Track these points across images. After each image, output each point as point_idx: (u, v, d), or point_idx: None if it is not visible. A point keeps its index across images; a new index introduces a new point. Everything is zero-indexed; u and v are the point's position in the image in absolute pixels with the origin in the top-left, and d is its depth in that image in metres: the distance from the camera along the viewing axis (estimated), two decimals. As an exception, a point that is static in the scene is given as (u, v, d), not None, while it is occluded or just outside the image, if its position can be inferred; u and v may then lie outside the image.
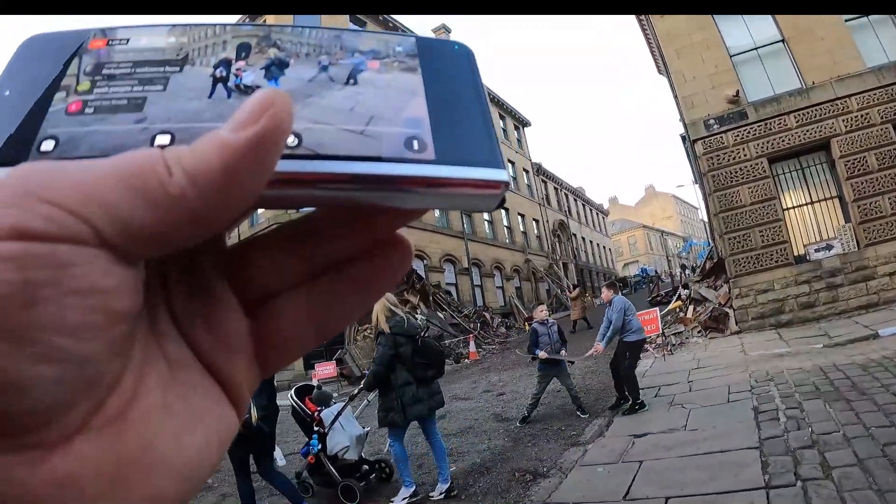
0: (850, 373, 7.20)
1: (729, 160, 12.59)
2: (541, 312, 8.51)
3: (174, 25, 0.40)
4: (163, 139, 0.32)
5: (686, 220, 65.76)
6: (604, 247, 48.33)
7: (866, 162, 11.55)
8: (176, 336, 0.33)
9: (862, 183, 11.54)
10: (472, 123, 0.37)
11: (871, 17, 12.19)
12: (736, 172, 12.49)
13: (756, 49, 13.00)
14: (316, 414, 6.40)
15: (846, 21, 12.17)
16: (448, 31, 30.51)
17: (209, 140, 0.27)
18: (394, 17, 25.18)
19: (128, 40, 0.39)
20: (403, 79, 0.39)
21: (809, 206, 12.39)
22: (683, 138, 17.62)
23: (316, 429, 6.30)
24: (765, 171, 12.32)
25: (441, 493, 5.66)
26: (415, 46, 0.41)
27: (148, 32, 0.40)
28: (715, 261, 15.88)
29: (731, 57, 13.14)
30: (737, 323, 12.56)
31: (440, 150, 0.35)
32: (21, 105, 0.35)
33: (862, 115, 11.75)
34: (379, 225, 0.38)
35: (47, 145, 0.32)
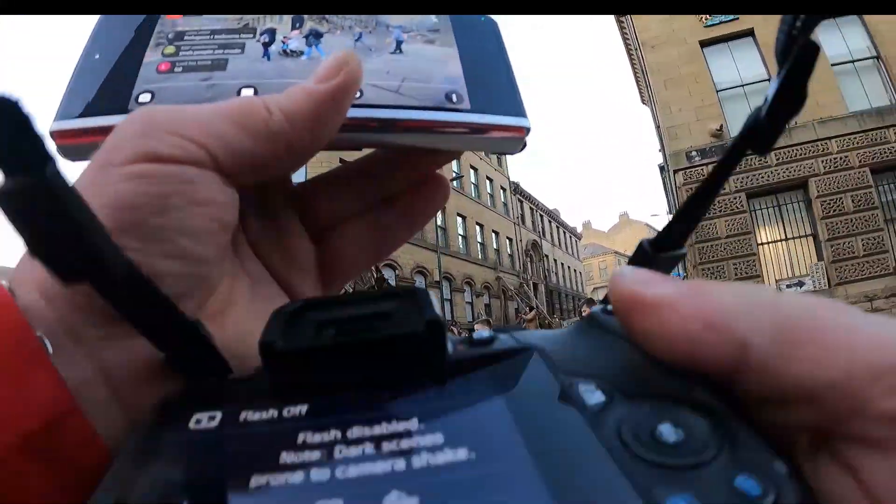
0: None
1: (708, 192, 12.79)
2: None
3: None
4: (247, 92, 0.39)
5: (656, 251, 66.72)
6: (575, 270, 48.74)
7: (842, 203, 11.81)
8: (254, 258, 0.40)
9: (837, 223, 11.79)
10: (500, 80, 0.44)
11: (857, 64, 12.58)
12: (714, 205, 12.55)
13: (742, 86, 13.27)
14: None
15: (832, 66, 12.51)
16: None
17: (299, 89, 0.33)
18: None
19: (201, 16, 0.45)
20: (441, 46, 0.46)
21: (784, 242, 12.63)
22: (661, 168, 17.90)
23: None
24: (742, 206, 12.53)
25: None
26: (448, 21, 0.48)
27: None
28: (687, 290, 16.05)
29: (717, 92, 13.39)
30: (705, 353, 12.71)
31: (474, 101, 0.42)
32: (112, 66, 0.40)
33: (841, 158, 12.02)
34: (421, 165, 0.45)
35: (144, 97, 0.38)
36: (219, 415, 0.23)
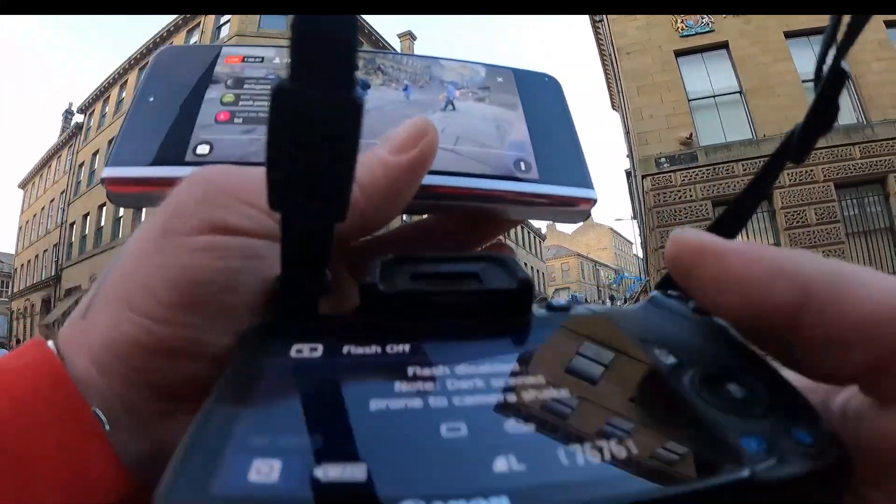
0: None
1: (675, 199, 13.01)
2: None
3: None
4: None
5: (620, 254, 67.57)
6: (538, 271, 49.11)
7: (805, 215, 12.16)
8: None
9: (799, 234, 12.13)
10: (566, 147, 0.43)
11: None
12: (680, 211, 12.92)
13: (714, 97, 13.55)
14: None
15: (803, 82, 12.86)
16: (414, 38, 30.54)
17: (374, 158, 0.32)
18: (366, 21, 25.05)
19: (262, 59, 0.43)
20: (507, 107, 0.44)
21: (747, 251, 12.92)
22: (628, 174, 18.18)
23: None
24: (708, 213, 12.77)
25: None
26: (513, 78, 0.46)
27: (276, 52, 0.44)
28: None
29: (689, 101, 13.63)
30: (666, 356, 12.95)
31: (542, 170, 0.40)
32: (168, 111, 0.38)
33: (807, 171, 12.35)
34: (482, 233, 0.43)
35: (202, 149, 0.36)
36: (320, 347, 0.23)
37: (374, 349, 0.23)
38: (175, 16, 24.24)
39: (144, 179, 0.35)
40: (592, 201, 0.40)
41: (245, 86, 0.40)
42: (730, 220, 0.34)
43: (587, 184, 0.41)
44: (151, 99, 0.38)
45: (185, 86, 0.40)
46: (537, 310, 0.27)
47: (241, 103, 0.39)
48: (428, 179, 0.35)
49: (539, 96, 0.45)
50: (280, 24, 21.06)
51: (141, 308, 0.26)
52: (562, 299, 0.29)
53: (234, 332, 0.26)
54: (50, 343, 0.28)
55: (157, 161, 0.35)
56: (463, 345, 0.24)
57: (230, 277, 0.27)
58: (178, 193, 0.29)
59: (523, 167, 0.40)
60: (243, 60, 0.42)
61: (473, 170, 0.39)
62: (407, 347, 0.23)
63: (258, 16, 20.89)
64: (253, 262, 0.28)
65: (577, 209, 0.40)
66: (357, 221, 0.31)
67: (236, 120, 0.38)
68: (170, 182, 0.31)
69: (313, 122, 0.20)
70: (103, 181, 0.35)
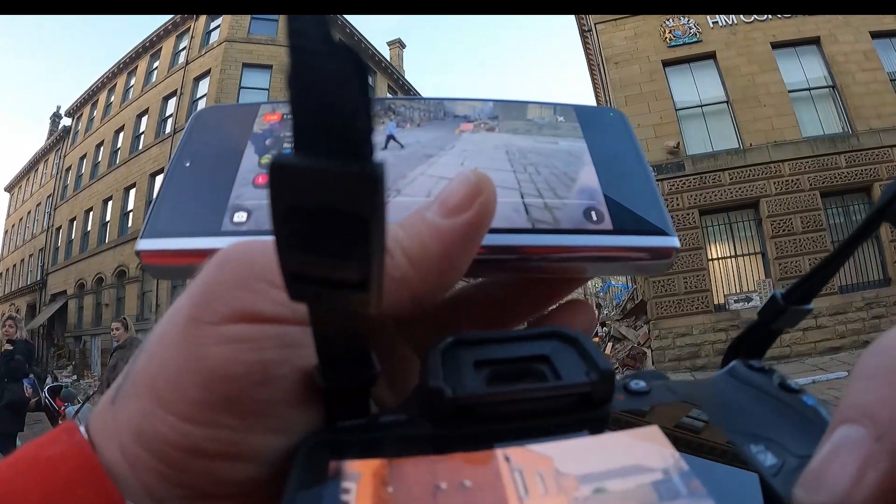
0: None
1: (663, 207, 13.08)
2: None
3: None
4: None
5: (606, 263, 67.54)
6: (525, 278, 49.09)
7: (791, 224, 12.27)
8: None
9: (785, 242, 12.25)
10: (641, 190, 0.38)
11: (814, 91, 13.12)
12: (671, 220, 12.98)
13: (701, 106, 13.67)
14: (62, 409, 7.27)
15: (790, 92, 13.03)
16: (403, 45, 30.58)
17: (423, 223, 0.28)
18: (351, 21, 25.11)
19: None
20: (572, 149, 0.39)
21: (733, 259, 13.01)
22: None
23: (60, 421, 6.98)
24: (695, 222, 12.87)
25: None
26: (576, 116, 0.42)
27: None
28: (636, 302, 16.43)
29: (676, 110, 13.74)
30: (653, 363, 12.97)
31: (616, 219, 0.36)
32: (205, 176, 0.36)
33: (793, 180, 12.48)
34: (550, 293, 0.38)
35: (240, 216, 0.34)
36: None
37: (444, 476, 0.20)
38: (164, 19, 24.18)
39: (181, 252, 0.33)
40: (675, 250, 0.35)
41: (284, 145, 0.38)
42: (811, 281, 0.31)
43: (667, 230, 0.36)
44: (188, 164, 0.37)
45: (222, 147, 0.38)
46: (616, 396, 0.25)
47: None
48: (486, 239, 0.31)
49: (605, 135, 0.41)
50: (270, 30, 21.03)
51: (171, 406, 0.25)
52: (641, 381, 0.27)
53: (282, 439, 0.25)
54: (83, 429, 0.26)
55: (194, 232, 0.33)
56: (540, 458, 0.21)
57: (265, 370, 0.25)
58: (206, 277, 0.27)
59: (594, 217, 0.35)
60: (283, 118, 0.40)
61: (538, 224, 0.34)
62: (481, 472, 0.20)
63: (248, 21, 20.87)
64: (289, 351, 0.25)
65: (658, 260, 0.35)
66: (407, 296, 0.28)
67: None
68: (207, 254, 0.30)
69: (323, 201, 0.17)
70: (138, 254, 0.33)
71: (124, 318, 7.01)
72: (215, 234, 0.33)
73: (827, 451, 0.19)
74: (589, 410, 0.24)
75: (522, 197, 0.36)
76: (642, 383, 0.26)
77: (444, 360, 0.24)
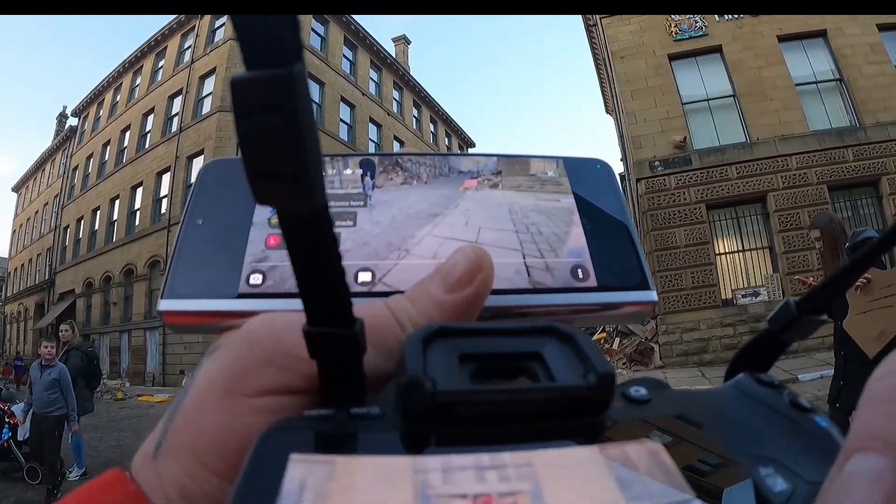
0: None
1: (669, 202, 13.07)
2: None
3: (345, 155, 0.41)
4: (364, 276, 0.35)
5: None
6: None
7: (799, 218, 12.20)
8: None
9: (793, 237, 12.19)
10: (624, 247, 0.39)
11: (821, 85, 13.07)
12: (674, 214, 12.97)
13: (708, 100, 13.63)
14: (7, 408, 7.54)
15: (796, 85, 12.98)
16: (409, 41, 30.56)
17: (428, 298, 0.31)
18: (356, 19, 25.06)
19: None
20: (560, 206, 0.40)
21: (741, 253, 12.98)
22: (622, 177, 18.20)
23: (8, 420, 7.39)
24: (702, 217, 12.85)
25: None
26: (564, 169, 0.42)
27: (327, 162, 0.41)
28: (644, 297, 16.39)
29: (682, 104, 13.71)
30: (661, 358, 12.97)
31: (600, 276, 0.37)
32: (218, 235, 0.37)
33: (800, 174, 12.45)
34: None
35: (255, 279, 0.35)
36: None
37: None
38: (169, 19, 24.21)
39: (201, 313, 0.34)
40: (653, 304, 0.37)
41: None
42: (825, 291, 0.31)
43: (646, 285, 0.37)
44: (200, 222, 0.38)
45: (233, 204, 0.38)
46: (614, 404, 0.24)
47: None
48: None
49: (591, 188, 0.42)
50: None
51: (213, 467, 0.27)
52: (642, 388, 0.25)
53: None
54: (132, 482, 0.28)
55: (212, 294, 0.35)
56: (529, 469, 0.19)
57: None
58: (238, 352, 0.29)
59: (580, 275, 0.37)
60: None
61: (530, 284, 0.36)
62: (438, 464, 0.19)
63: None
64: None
65: (638, 311, 0.37)
66: None
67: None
68: (226, 315, 0.33)
69: (264, 100, 0.20)
70: (160, 314, 0.35)
71: (71, 321, 7.96)
72: (233, 297, 0.35)
73: (842, 483, 0.17)
74: (584, 417, 0.22)
75: (523, 257, 0.37)
76: (643, 390, 0.25)
77: (426, 351, 0.23)
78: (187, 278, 0.35)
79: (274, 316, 0.30)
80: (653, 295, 0.37)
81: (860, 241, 3.87)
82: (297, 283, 0.23)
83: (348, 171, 0.40)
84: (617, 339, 15.95)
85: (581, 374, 0.23)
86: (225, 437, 0.27)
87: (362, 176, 0.40)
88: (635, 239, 0.39)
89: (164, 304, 0.35)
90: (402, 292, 0.32)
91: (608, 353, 15.64)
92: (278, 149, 0.20)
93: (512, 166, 0.42)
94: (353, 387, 0.25)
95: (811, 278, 4.53)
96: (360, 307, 0.25)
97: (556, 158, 0.43)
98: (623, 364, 13.93)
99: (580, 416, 0.22)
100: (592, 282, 0.37)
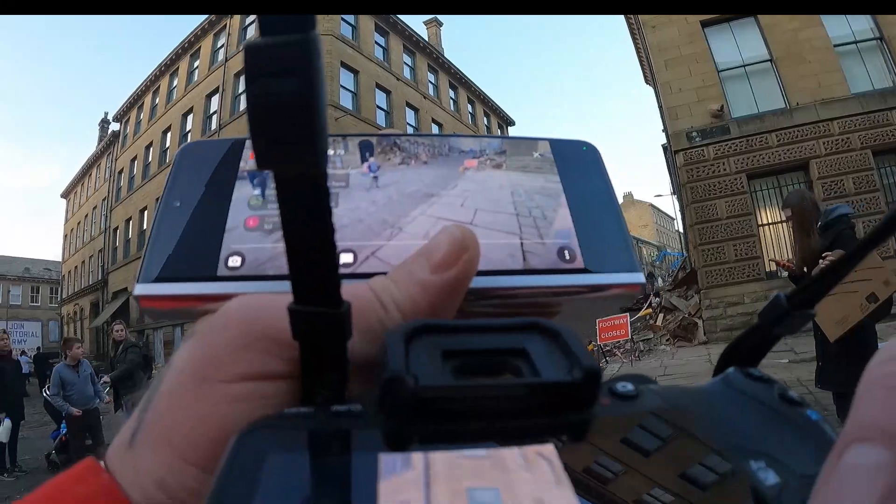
0: (813, 388, 7.33)
1: (708, 173, 12.82)
2: None
3: (344, 136, 0.41)
4: (346, 258, 0.34)
5: (662, 230, 66.28)
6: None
7: (843, 185, 11.87)
8: None
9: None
10: (611, 228, 0.39)
11: (860, 45, 12.59)
12: (714, 186, 12.73)
13: (744, 66, 13.28)
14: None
15: (835, 46, 12.53)
16: (440, 23, 30.44)
17: (411, 280, 0.30)
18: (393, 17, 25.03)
19: None
20: (547, 186, 0.40)
21: (784, 223, 12.66)
22: (665, 149, 17.91)
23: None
24: (743, 187, 12.58)
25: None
26: (551, 151, 0.42)
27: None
28: (688, 271, 16.18)
29: (718, 72, 13.40)
30: (705, 333, 12.80)
31: (588, 258, 0.37)
32: (196, 217, 0.36)
33: (843, 139, 12.07)
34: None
35: (234, 261, 0.34)
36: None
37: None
38: (201, 19, 24.60)
39: (177, 297, 0.34)
40: (640, 286, 0.37)
41: (271, 183, 0.36)
42: (816, 285, 0.30)
43: (633, 267, 0.37)
44: (178, 203, 0.37)
45: (211, 186, 0.38)
46: (601, 400, 0.23)
47: (269, 206, 0.37)
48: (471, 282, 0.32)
49: (578, 170, 0.42)
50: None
51: (190, 457, 0.26)
52: (628, 384, 0.25)
53: None
54: (105, 472, 0.28)
55: (189, 277, 0.34)
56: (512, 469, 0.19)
57: None
58: (212, 338, 0.28)
59: (567, 256, 0.37)
60: None
61: (516, 265, 0.36)
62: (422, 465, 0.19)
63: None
64: (293, 403, 0.27)
65: (625, 294, 0.37)
66: None
67: (266, 226, 0.36)
68: (204, 298, 0.32)
69: (278, 65, 0.20)
70: (135, 298, 0.34)
71: (122, 321, 8.05)
72: (211, 280, 0.34)
73: (840, 474, 0.16)
74: (569, 413, 0.22)
75: (509, 238, 0.37)
76: (630, 386, 0.25)
77: (408, 348, 0.23)
78: (163, 261, 0.34)
79: (251, 298, 0.29)
80: (640, 277, 0.37)
81: (833, 220, 3.78)
82: (287, 257, 0.23)
83: (342, 151, 0.40)
84: (661, 315, 15.75)
85: (566, 370, 0.22)
86: (201, 426, 0.26)
87: (362, 157, 0.40)
88: (621, 219, 0.40)
89: (140, 289, 0.34)
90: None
91: (651, 328, 15.50)
92: (290, 112, 0.20)
93: (497, 148, 0.43)
94: (336, 371, 0.25)
95: (789, 261, 4.40)
96: (342, 289, 0.25)
97: (543, 140, 0.43)
98: (667, 340, 13.81)
99: (566, 412, 0.22)
100: (580, 263, 0.36)
